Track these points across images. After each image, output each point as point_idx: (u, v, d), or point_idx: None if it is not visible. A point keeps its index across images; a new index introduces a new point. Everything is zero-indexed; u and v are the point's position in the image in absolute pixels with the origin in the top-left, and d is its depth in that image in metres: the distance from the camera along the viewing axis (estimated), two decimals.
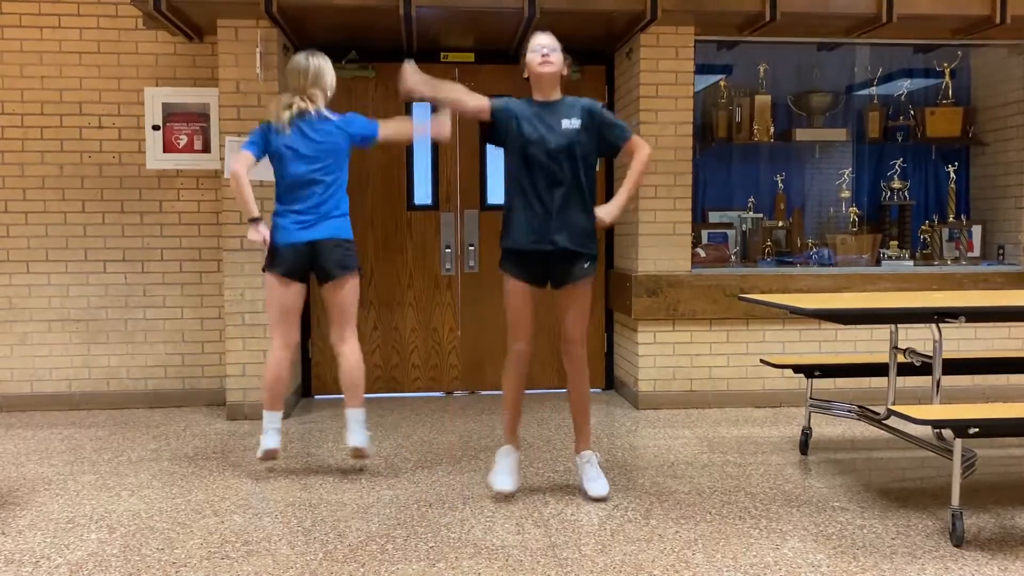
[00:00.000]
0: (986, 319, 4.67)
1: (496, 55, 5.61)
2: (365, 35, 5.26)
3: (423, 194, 5.71)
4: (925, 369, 3.64)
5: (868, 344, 5.21)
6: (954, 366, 4.14)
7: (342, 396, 3.92)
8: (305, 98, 3.72)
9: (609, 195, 5.48)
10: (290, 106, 3.71)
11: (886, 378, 3.87)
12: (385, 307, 5.70)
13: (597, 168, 3.69)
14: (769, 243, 5.74)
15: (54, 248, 5.28)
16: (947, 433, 3.81)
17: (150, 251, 5.32)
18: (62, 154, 5.25)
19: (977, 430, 3.02)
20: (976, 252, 5.68)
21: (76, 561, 2.93)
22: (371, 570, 2.84)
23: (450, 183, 5.72)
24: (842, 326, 5.16)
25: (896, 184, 5.82)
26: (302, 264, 3.74)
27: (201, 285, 5.36)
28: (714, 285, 5.13)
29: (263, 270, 3.84)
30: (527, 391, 3.73)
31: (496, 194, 5.75)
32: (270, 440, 3.82)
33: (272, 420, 3.83)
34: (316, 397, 5.57)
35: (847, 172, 5.92)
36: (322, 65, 3.77)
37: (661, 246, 5.14)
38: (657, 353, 5.20)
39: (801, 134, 5.78)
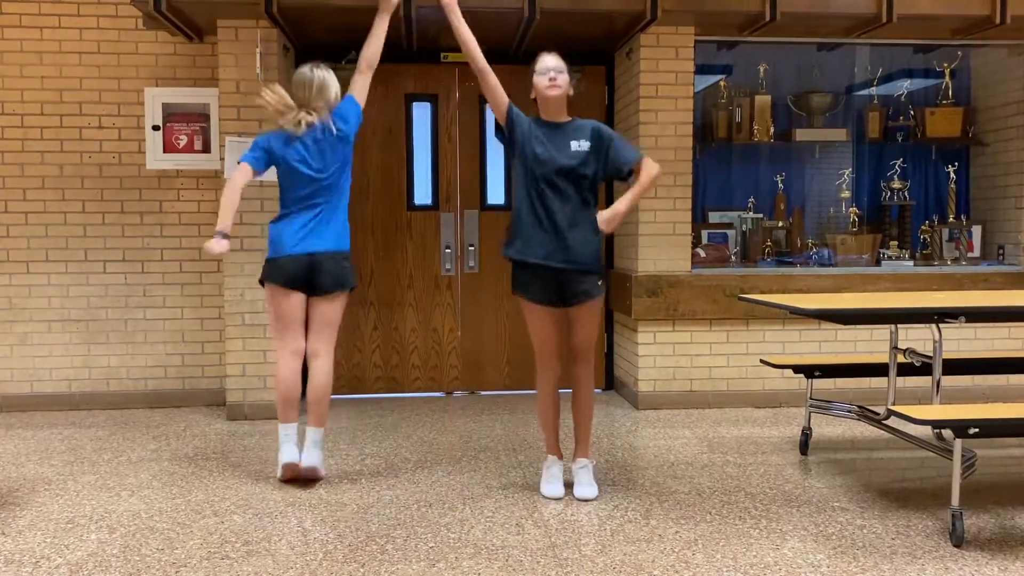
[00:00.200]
0: (986, 319, 4.67)
1: (496, 55, 5.53)
2: (365, 35, 5.21)
3: (423, 194, 5.71)
4: (925, 369, 3.64)
5: (868, 344, 5.21)
6: (954, 366, 4.14)
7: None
8: (311, 111, 3.69)
9: (609, 205, 5.50)
10: (299, 122, 3.66)
11: (886, 378, 3.87)
12: (385, 307, 5.70)
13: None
14: (769, 243, 5.75)
15: (54, 248, 5.28)
16: (947, 433, 3.81)
17: (150, 251, 5.32)
18: (62, 154, 5.25)
19: (977, 430, 3.02)
20: (976, 252, 5.68)
21: (76, 561, 2.93)
22: (371, 570, 2.84)
23: (450, 183, 5.72)
24: (842, 326, 5.16)
25: (896, 184, 5.82)
26: (302, 274, 3.68)
27: (201, 285, 5.36)
28: (714, 285, 5.13)
29: (261, 282, 3.76)
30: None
31: (496, 194, 5.76)
32: (287, 454, 3.71)
33: (288, 433, 3.74)
34: None
35: (847, 172, 5.92)
36: (326, 78, 3.73)
37: (661, 246, 5.14)
38: (657, 353, 5.20)
39: (801, 134, 5.78)
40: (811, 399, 4.25)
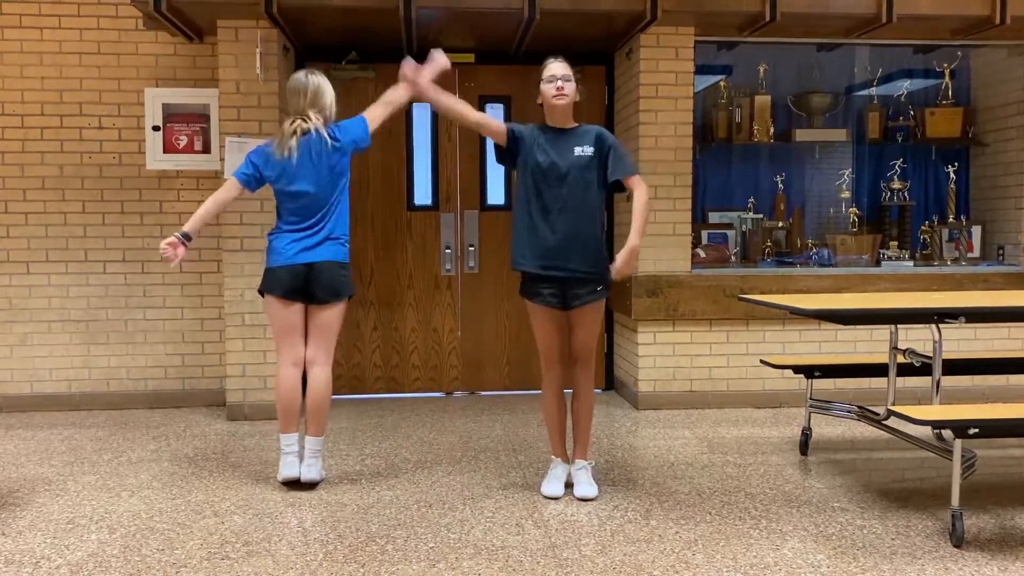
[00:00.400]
0: (986, 319, 4.67)
1: (496, 56, 5.61)
2: (365, 36, 5.26)
3: (423, 194, 5.72)
4: (925, 369, 3.63)
5: (868, 344, 5.21)
6: (954, 366, 4.13)
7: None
8: (306, 118, 3.63)
9: (611, 219, 5.50)
10: (294, 132, 3.61)
11: (886, 378, 3.87)
12: (385, 307, 5.70)
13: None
14: (769, 243, 5.75)
15: (54, 249, 5.28)
16: (947, 433, 3.81)
17: (150, 252, 5.31)
18: (62, 155, 5.25)
19: (977, 430, 3.02)
20: (976, 252, 5.68)
21: (76, 562, 2.93)
22: (371, 570, 2.84)
23: (450, 183, 5.72)
24: (842, 326, 5.16)
25: (896, 184, 5.82)
26: (300, 285, 3.65)
27: (201, 285, 5.36)
28: (714, 285, 5.13)
29: (260, 292, 3.74)
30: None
31: (496, 195, 5.76)
32: (287, 468, 3.69)
33: (289, 443, 3.71)
34: None
35: (847, 172, 5.93)
36: (321, 84, 3.67)
37: (661, 246, 5.14)
38: (657, 354, 5.20)
39: (801, 134, 5.78)
40: (811, 399, 4.25)
